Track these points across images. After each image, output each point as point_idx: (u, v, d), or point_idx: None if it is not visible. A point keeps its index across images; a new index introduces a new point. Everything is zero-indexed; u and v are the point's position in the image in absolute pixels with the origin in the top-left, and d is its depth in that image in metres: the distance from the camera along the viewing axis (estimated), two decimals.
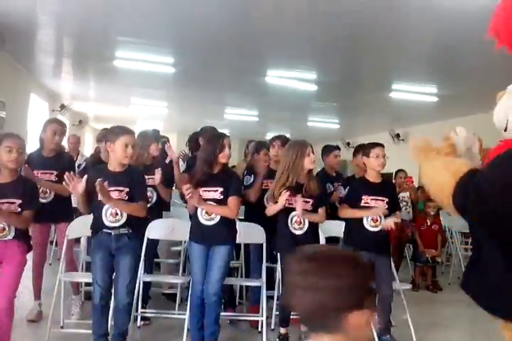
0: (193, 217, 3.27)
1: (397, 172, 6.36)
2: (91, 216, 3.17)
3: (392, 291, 3.57)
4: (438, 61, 6.95)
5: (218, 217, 3.21)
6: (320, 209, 3.41)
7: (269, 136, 15.62)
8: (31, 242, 3.18)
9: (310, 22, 5.50)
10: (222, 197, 3.19)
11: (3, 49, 6.54)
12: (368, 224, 3.51)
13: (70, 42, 7.65)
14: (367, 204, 3.51)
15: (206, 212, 3.21)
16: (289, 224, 3.35)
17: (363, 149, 3.70)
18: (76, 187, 2.92)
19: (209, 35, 6.37)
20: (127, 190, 3.04)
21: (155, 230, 3.68)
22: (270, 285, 3.84)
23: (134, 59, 7.66)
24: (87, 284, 3.97)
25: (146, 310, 3.80)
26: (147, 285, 3.94)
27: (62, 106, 12.12)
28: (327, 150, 4.66)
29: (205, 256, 3.23)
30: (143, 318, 3.77)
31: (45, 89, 10.97)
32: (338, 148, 4.71)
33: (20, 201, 2.90)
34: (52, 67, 9.28)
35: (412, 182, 6.44)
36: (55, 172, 3.78)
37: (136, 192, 3.10)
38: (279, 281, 3.75)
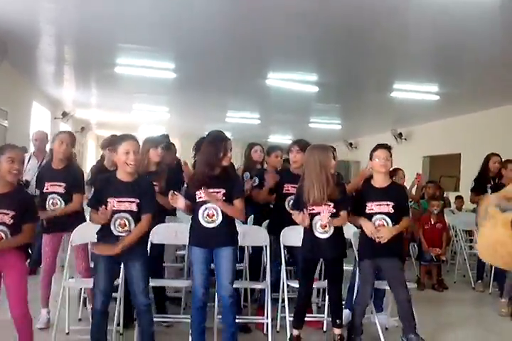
0: (193, 220, 3.24)
1: (394, 170, 6.34)
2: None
3: (409, 296, 3.49)
4: (438, 59, 6.95)
5: (220, 219, 3.18)
6: (341, 213, 3.39)
7: (271, 139, 15.68)
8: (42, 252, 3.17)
9: (310, 24, 5.51)
10: (224, 198, 3.19)
11: (5, 58, 6.58)
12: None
13: (71, 50, 7.70)
14: (372, 211, 3.46)
15: (208, 215, 3.18)
16: (314, 228, 3.36)
17: (370, 153, 3.63)
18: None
19: (209, 40, 6.40)
20: (138, 201, 3.05)
21: (159, 235, 3.69)
22: (275, 288, 3.84)
23: (135, 65, 7.70)
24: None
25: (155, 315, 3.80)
26: (160, 289, 3.99)
27: (65, 114, 12.18)
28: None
29: (207, 260, 3.22)
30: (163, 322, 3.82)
31: (47, 97, 11.03)
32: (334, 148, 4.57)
33: (13, 213, 2.86)
34: (54, 75, 9.34)
35: (421, 179, 6.45)
36: (64, 185, 3.79)
37: (146, 203, 3.09)
38: (283, 283, 3.75)
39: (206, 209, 3.18)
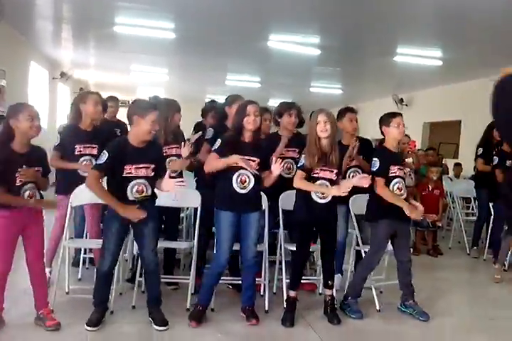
0: (224, 185, 3.23)
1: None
2: None
3: (410, 257, 3.64)
4: (443, 24, 6.80)
5: (251, 186, 3.22)
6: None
7: (271, 102, 15.51)
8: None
9: None
10: (258, 167, 3.25)
11: (2, 17, 6.42)
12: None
13: (69, 7, 7.49)
14: (394, 174, 3.50)
15: (241, 181, 3.20)
16: (313, 194, 3.37)
17: (382, 119, 3.65)
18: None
19: (210, 0, 6.24)
20: (153, 166, 3.09)
21: (160, 197, 3.71)
22: (272, 251, 3.91)
23: (134, 25, 7.53)
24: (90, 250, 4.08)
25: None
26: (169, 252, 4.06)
27: (63, 74, 12.02)
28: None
29: (235, 224, 3.25)
30: (171, 284, 3.90)
31: (45, 56, 10.85)
32: (351, 110, 4.37)
33: (40, 168, 3.03)
34: (52, 34, 9.15)
35: (415, 146, 6.42)
36: (97, 146, 3.76)
37: (163, 168, 3.20)
38: (280, 246, 3.81)
39: (240, 175, 3.21)
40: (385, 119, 3.62)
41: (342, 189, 3.24)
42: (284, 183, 3.69)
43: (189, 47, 9.15)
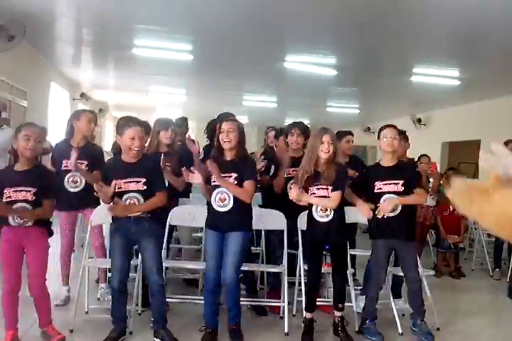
0: (208, 203, 3.29)
1: (419, 157, 6.27)
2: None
3: (419, 277, 3.55)
4: (460, 43, 6.80)
5: (231, 204, 3.20)
6: (332, 193, 3.31)
7: (288, 123, 15.61)
8: (59, 230, 3.25)
9: (329, 6, 5.41)
10: (236, 182, 3.21)
11: (23, 38, 6.59)
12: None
13: (89, 31, 7.67)
14: (380, 190, 3.44)
15: (220, 199, 3.20)
16: (314, 212, 3.34)
17: (378, 132, 3.61)
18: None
19: (227, 22, 6.32)
20: (144, 180, 3.09)
21: (176, 217, 3.72)
22: (291, 272, 3.85)
23: (152, 47, 7.66)
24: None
25: (171, 296, 3.84)
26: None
27: (83, 95, 12.23)
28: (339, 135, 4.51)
29: (219, 243, 3.24)
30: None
31: (66, 78, 11.06)
32: (350, 133, 4.53)
33: (35, 189, 2.95)
34: (72, 55, 9.34)
35: (436, 168, 6.35)
36: (86, 162, 3.81)
37: (157, 182, 3.16)
38: (299, 267, 3.76)
39: (218, 193, 3.21)
40: (378, 132, 3.57)
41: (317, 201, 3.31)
42: (290, 202, 3.67)
43: (206, 68, 9.26)
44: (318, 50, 7.63)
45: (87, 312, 3.59)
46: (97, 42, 8.17)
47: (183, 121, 4.90)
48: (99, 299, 3.97)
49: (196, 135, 8.31)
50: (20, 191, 2.91)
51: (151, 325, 3.26)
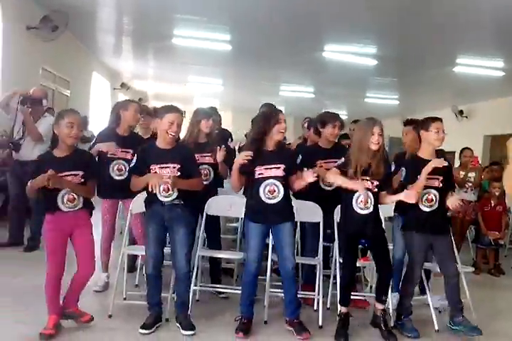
0: (253, 195, 3.24)
1: (462, 150, 6.11)
2: None
3: (458, 271, 3.48)
4: (504, 33, 6.56)
5: (281, 195, 3.20)
6: (392, 197, 3.31)
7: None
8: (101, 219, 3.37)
9: None
10: (285, 173, 3.21)
11: (65, 28, 6.74)
12: (423, 205, 3.39)
13: (130, 21, 7.78)
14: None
15: (269, 191, 3.19)
16: (354, 204, 3.30)
17: (422, 123, 3.48)
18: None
19: (265, 12, 6.30)
20: (179, 166, 3.14)
21: (213, 206, 3.74)
22: (325, 265, 3.84)
23: (191, 37, 7.72)
24: None
25: (205, 285, 3.89)
26: (214, 261, 4.10)
27: (123, 85, 12.44)
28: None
29: (264, 235, 3.26)
30: (221, 292, 3.92)
31: (107, 67, 11.27)
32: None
33: (82, 172, 3.02)
34: (113, 45, 9.50)
35: (478, 162, 6.19)
36: (131, 151, 3.85)
37: (192, 168, 3.23)
38: (335, 260, 3.74)
39: (267, 185, 3.20)
40: (425, 123, 3.42)
41: (360, 185, 3.16)
42: (325, 196, 3.72)
43: (244, 58, 9.26)
44: (359, 40, 7.51)
45: (125, 299, 3.67)
46: (137, 32, 8.28)
47: (215, 111, 4.92)
48: (137, 285, 4.06)
49: (232, 125, 8.34)
50: (67, 176, 2.96)
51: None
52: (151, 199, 3.18)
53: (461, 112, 12.35)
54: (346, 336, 3.25)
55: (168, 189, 3.13)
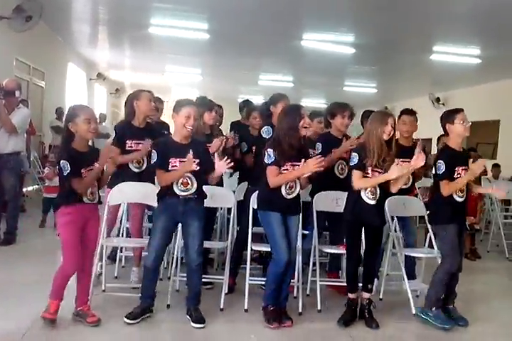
0: (274, 190, 3.23)
1: (439, 137, 6.18)
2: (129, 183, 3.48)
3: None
4: (482, 21, 6.63)
5: (297, 190, 3.29)
6: None
7: (304, 102, 15.47)
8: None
9: None
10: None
11: (40, 18, 6.60)
12: (457, 195, 3.40)
13: (105, 10, 7.65)
14: (459, 176, 3.37)
15: (289, 187, 3.24)
16: (363, 194, 3.30)
17: (445, 116, 3.50)
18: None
19: (243, 0, 6.25)
20: (198, 160, 3.13)
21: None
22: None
23: (168, 25, 7.63)
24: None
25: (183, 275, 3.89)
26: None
27: (100, 75, 12.27)
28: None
29: (283, 224, 3.28)
30: (206, 283, 3.83)
31: (82, 58, 11.09)
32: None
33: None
34: (89, 35, 9.36)
35: None
36: (151, 141, 3.75)
37: (209, 163, 3.23)
38: (314, 247, 3.76)
39: (289, 181, 3.25)
40: (448, 116, 3.46)
41: (399, 169, 3.14)
42: (338, 184, 3.76)
43: (222, 47, 9.20)
44: (336, 28, 7.52)
45: (103, 291, 3.65)
46: (113, 22, 8.15)
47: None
48: (116, 277, 4.05)
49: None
50: (89, 170, 3.01)
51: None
52: (166, 193, 3.18)
53: (438, 100, 12.50)
54: (347, 320, 3.32)
55: (187, 183, 3.15)
